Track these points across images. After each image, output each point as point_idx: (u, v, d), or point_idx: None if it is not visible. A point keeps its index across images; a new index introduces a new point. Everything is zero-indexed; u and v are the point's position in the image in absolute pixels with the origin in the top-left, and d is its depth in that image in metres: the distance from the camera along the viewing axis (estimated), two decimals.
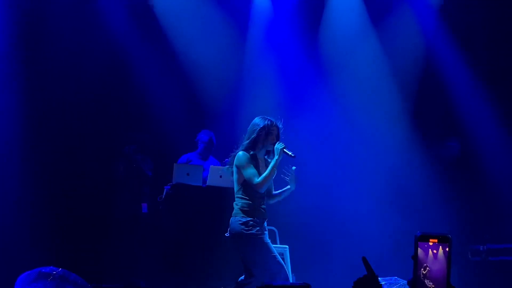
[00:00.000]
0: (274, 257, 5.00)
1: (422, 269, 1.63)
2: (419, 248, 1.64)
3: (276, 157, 5.02)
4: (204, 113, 8.46)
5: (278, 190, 5.28)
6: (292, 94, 8.59)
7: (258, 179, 4.98)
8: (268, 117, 5.17)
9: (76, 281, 3.84)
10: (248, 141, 5.12)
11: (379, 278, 4.57)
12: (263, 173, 5.02)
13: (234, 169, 5.11)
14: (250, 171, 5.00)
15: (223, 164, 7.36)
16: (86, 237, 7.34)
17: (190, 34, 8.42)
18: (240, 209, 5.04)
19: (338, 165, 7.87)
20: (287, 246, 6.69)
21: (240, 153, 5.09)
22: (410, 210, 8.13)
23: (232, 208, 6.21)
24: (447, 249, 1.64)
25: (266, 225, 5.16)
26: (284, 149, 5.05)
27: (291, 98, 8.58)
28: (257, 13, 8.79)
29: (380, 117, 8.31)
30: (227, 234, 5.15)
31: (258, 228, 4.98)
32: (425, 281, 1.62)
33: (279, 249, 6.67)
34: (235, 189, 5.14)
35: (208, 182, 6.99)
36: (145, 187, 7.53)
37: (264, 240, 5.00)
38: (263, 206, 5.11)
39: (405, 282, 4.56)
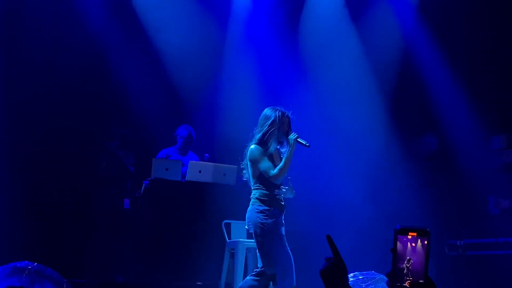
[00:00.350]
0: (287, 252, 4.98)
1: (406, 262, 1.63)
2: (398, 241, 1.65)
3: (290, 148, 5.00)
4: (183, 108, 8.43)
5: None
6: (272, 89, 8.59)
7: (273, 171, 4.97)
8: (278, 108, 5.11)
9: (52, 276, 3.79)
10: (260, 134, 5.07)
11: (356, 273, 4.59)
12: (277, 165, 5.02)
13: (248, 163, 5.08)
14: (265, 164, 4.98)
15: (203, 159, 7.37)
16: (66, 232, 7.28)
17: (170, 29, 8.38)
18: (258, 199, 5.02)
19: (316, 160, 7.88)
20: None
21: (253, 146, 5.06)
22: (388, 205, 8.17)
23: (212, 203, 6.23)
24: (425, 242, 1.64)
25: (283, 218, 5.12)
26: (298, 139, 5.03)
27: (270, 93, 8.57)
28: (237, 8, 8.78)
29: (358, 112, 8.35)
30: (246, 227, 5.15)
31: (274, 219, 4.96)
32: (405, 272, 1.63)
33: None
34: (252, 182, 5.10)
35: (187, 177, 6.97)
36: (127, 182, 7.48)
37: (279, 232, 4.98)
38: (280, 197, 5.10)
39: (382, 276, 4.57)
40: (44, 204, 7.38)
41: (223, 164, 7.14)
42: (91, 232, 7.16)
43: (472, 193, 8.23)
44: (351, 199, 8.05)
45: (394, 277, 1.65)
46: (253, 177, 5.08)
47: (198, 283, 6.71)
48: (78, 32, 7.88)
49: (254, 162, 5.02)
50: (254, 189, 5.10)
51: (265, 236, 4.94)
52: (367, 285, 4.66)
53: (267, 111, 5.11)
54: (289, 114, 5.12)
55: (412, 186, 8.36)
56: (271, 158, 5.05)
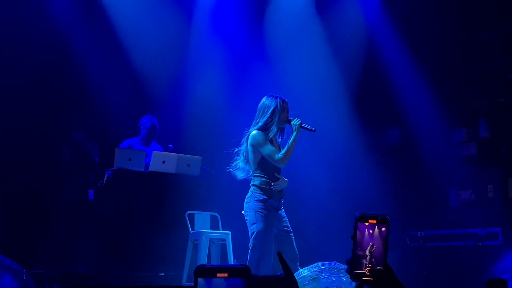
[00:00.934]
0: (270, 246, 5.00)
1: (368, 247, 1.64)
2: (358, 229, 1.65)
3: (294, 133, 5.07)
4: (147, 98, 8.35)
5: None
6: (236, 80, 8.57)
7: (279, 155, 5.03)
8: (276, 95, 5.17)
9: (10, 266, 3.73)
10: (262, 121, 5.10)
11: (318, 263, 4.61)
12: (279, 151, 5.09)
13: (250, 148, 5.11)
14: (269, 148, 5.03)
15: (167, 150, 7.32)
16: (27, 223, 7.13)
17: (133, 19, 8.27)
18: (258, 187, 5.06)
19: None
20: (229, 232, 6.69)
21: (255, 132, 5.09)
22: (352, 197, 8.24)
23: (176, 193, 6.17)
24: (385, 230, 1.65)
25: (282, 204, 5.17)
26: (302, 124, 5.09)
27: (235, 84, 8.56)
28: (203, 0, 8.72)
29: (323, 105, 8.38)
30: (243, 212, 5.17)
31: (272, 211, 5.03)
32: (363, 260, 1.64)
33: (221, 235, 6.68)
34: (252, 168, 5.14)
35: (151, 168, 6.92)
36: (92, 173, 7.37)
37: (271, 224, 5.01)
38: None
39: (344, 266, 4.60)
40: (7, 195, 7.23)
41: (187, 155, 7.10)
42: (54, 223, 7.04)
43: (433, 185, 8.36)
44: (316, 191, 8.09)
45: (354, 264, 1.66)
46: (254, 162, 5.11)
47: (161, 274, 6.67)
48: (40, 22, 7.73)
49: (257, 147, 5.06)
50: (254, 176, 5.13)
51: (258, 226, 4.98)
52: (329, 275, 4.69)
53: (266, 99, 5.17)
54: (288, 102, 5.19)
55: (376, 178, 8.44)
56: (272, 144, 5.12)
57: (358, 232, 1.65)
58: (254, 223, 5.00)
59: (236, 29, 8.66)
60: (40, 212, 7.19)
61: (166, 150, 7.36)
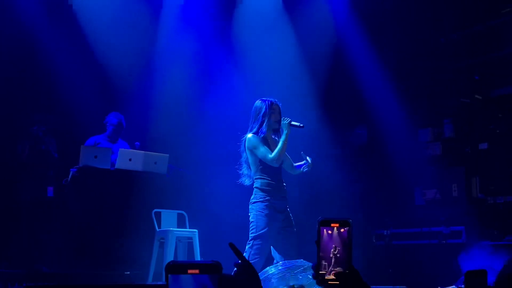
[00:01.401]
0: (266, 248, 5.09)
1: (332, 250, 1.65)
2: (321, 233, 1.66)
3: (285, 131, 5.19)
4: (114, 95, 8.26)
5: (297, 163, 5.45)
6: (204, 78, 8.54)
7: (271, 155, 5.14)
8: (267, 99, 5.30)
9: None
10: (256, 124, 5.25)
11: (285, 261, 4.62)
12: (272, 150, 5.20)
13: (248, 152, 5.25)
14: (262, 149, 5.16)
15: (133, 147, 7.25)
16: None
17: (100, 15, 8.17)
18: (260, 189, 5.17)
19: None
20: (196, 230, 6.67)
21: (250, 135, 5.24)
22: (319, 195, 8.29)
23: (142, 191, 6.12)
24: (347, 232, 1.66)
25: (286, 205, 5.25)
26: (291, 122, 5.23)
27: (203, 82, 8.53)
28: None
29: (291, 104, 8.39)
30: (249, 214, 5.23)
31: (273, 212, 5.11)
32: (328, 264, 1.65)
33: (188, 233, 6.66)
34: (253, 170, 5.25)
35: (117, 165, 6.85)
36: (51, 170, 7.26)
37: (270, 227, 5.08)
38: (282, 184, 5.26)
39: (310, 264, 4.62)
40: None
41: (154, 153, 7.06)
42: (14, 221, 6.93)
43: (400, 184, 8.44)
44: None
45: (319, 268, 1.67)
46: (254, 165, 5.24)
47: (126, 272, 6.61)
48: (4, 17, 7.59)
49: (253, 149, 5.19)
50: (255, 178, 5.24)
51: (257, 227, 5.08)
52: (296, 273, 4.71)
53: (257, 103, 5.31)
54: (278, 103, 5.32)
55: (343, 177, 8.50)
56: (269, 146, 5.23)
57: (321, 236, 1.66)
58: (254, 224, 5.11)
59: (205, 28, 8.63)
60: (0, 211, 7.06)
61: (133, 147, 7.30)
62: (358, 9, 8.86)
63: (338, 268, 1.65)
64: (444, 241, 7.59)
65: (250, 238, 5.13)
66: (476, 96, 8.12)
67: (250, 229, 5.16)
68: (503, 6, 7.86)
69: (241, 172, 5.38)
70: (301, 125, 5.29)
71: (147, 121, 8.25)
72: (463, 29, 8.34)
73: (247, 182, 5.37)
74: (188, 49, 8.61)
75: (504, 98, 7.82)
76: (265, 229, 5.09)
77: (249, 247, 5.11)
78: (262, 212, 5.12)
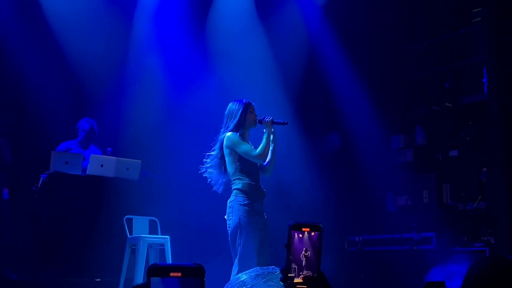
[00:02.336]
0: (253, 251, 4.95)
1: (303, 252, 1.65)
2: (292, 237, 1.66)
3: (267, 128, 5.13)
4: (85, 100, 8.18)
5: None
6: (177, 83, 8.51)
7: (256, 152, 5.05)
8: (241, 99, 5.24)
9: None
10: (232, 124, 5.13)
11: (256, 268, 4.61)
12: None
13: (226, 151, 5.08)
14: (245, 147, 5.05)
15: (105, 153, 7.19)
16: None
17: (73, 19, 8.09)
18: (241, 190, 5.02)
19: None
20: (168, 237, 6.63)
21: (229, 133, 5.09)
22: (291, 202, 8.29)
23: (114, 198, 6.05)
24: (318, 237, 1.67)
25: (264, 208, 5.13)
26: (274, 120, 5.17)
27: (175, 87, 8.50)
28: (144, 2, 8.62)
29: (263, 110, 8.40)
30: (225, 217, 5.07)
31: (255, 215, 4.98)
32: (299, 266, 1.65)
33: (160, 239, 6.62)
34: (231, 171, 5.08)
35: (88, 171, 6.78)
36: (4, 171, 7.07)
37: (255, 229, 4.96)
38: (260, 184, 5.14)
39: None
40: None
41: (126, 159, 7.01)
42: None
43: (372, 190, 8.50)
44: None
45: (288, 272, 1.67)
46: (232, 165, 5.07)
47: (97, 279, 6.55)
48: None
49: (233, 147, 5.05)
50: (234, 179, 5.07)
51: (244, 232, 4.95)
52: (267, 279, 4.70)
53: (233, 104, 5.22)
54: (253, 103, 5.26)
55: (315, 183, 8.53)
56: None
57: (292, 240, 1.66)
58: (239, 229, 4.94)
59: (178, 32, 8.60)
60: None
61: (105, 153, 7.24)
62: (331, 17, 8.92)
63: (307, 272, 1.66)
64: (415, 247, 7.66)
65: (238, 245, 4.96)
66: (447, 103, 8.22)
67: (232, 237, 4.99)
68: (474, 15, 7.98)
69: (209, 181, 5.23)
70: (285, 121, 5.23)
71: (119, 127, 8.19)
72: (434, 37, 8.45)
73: (220, 189, 5.22)
74: (161, 54, 8.57)
75: (474, 105, 7.93)
76: (252, 233, 4.95)
77: (241, 256, 4.95)
78: (246, 217, 4.95)
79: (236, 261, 4.99)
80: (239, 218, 4.96)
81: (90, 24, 8.14)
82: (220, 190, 5.26)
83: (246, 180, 5.05)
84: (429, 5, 8.35)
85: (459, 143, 8.01)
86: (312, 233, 1.67)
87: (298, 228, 1.67)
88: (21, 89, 7.85)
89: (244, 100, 5.22)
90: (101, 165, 6.77)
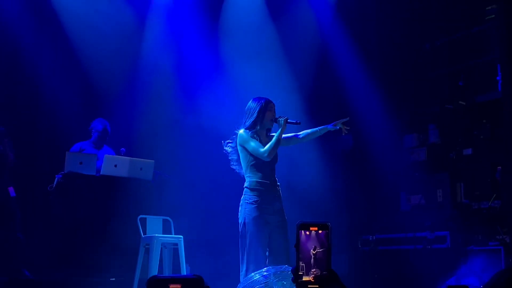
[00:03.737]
0: (258, 252, 4.97)
1: (312, 250, 1.66)
2: (300, 237, 1.67)
3: (280, 128, 5.13)
4: (99, 101, 8.23)
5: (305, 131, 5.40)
6: (189, 83, 8.54)
7: (263, 149, 5.06)
8: (262, 97, 5.26)
9: None
10: (249, 121, 5.17)
11: (269, 267, 4.62)
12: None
13: (239, 148, 5.15)
14: (253, 144, 5.08)
15: (119, 153, 7.24)
16: None
17: (86, 20, 8.15)
18: (250, 188, 5.06)
19: None
20: (181, 237, 6.65)
21: (241, 131, 5.15)
22: (305, 201, 8.28)
23: (128, 197, 6.09)
24: (326, 236, 1.67)
25: (281, 207, 5.14)
26: (288, 120, 5.16)
27: (188, 87, 8.53)
28: (157, 1, 8.66)
29: (276, 109, 8.41)
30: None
31: (262, 213, 4.99)
32: (308, 265, 1.66)
33: (174, 239, 6.64)
34: (244, 168, 5.15)
35: (102, 172, 6.82)
36: (7, 171, 7.09)
37: (261, 228, 4.97)
38: (275, 183, 5.14)
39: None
40: None
41: (140, 159, 7.04)
42: None
43: (385, 189, 8.47)
44: None
45: (298, 272, 1.68)
46: (244, 161, 5.13)
47: (112, 279, 6.58)
48: None
49: (244, 144, 5.10)
50: (246, 176, 5.13)
51: (248, 231, 4.97)
52: (280, 279, 4.71)
53: (252, 101, 5.25)
54: (274, 103, 5.27)
55: (328, 183, 8.51)
56: (261, 142, 5.14)
57: (300, 238, 1.67)
58: (244, 228, 4.99)
59: (190, 31, 8.63)
60: None
61: (118, 153, 7.28)
62: (343, 14, 8.90)
63: (316, 270, 1.66)
64: (429, 246, 7.63)
65: (242, 245, 5.00)
66: (460, 102, 8.18)
67: (240, 235, 5.03)
68: (487, 13, 7.93)
69: (230, 157, 5.29)
70: (298, 121, 5.23)
71: (132, 127, 8.23)
72: (447, 35, 8.41)
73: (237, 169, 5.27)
74: (173, 54, 8.60)
75: (488, 104, 7.88)
76: (256, 234, 4.96)
77: (243, 255, 4.98)
78: (251, 215, 4.98)
79: (243, 260, 5.00)
80: (245, 216, 5.00)
81: (103, 23, 8.19)
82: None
83: (256, 178, 5.08)
84: (442, 3, 8.31)
85: (473, 142, 7.97)
86: (321, 232, 1.68)
87: (305, 227, 1.68)
88: (35, 90, 7.91)
89: (263, 99, 5.23)
90: (115, 165, 6.81)
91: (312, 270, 1.66)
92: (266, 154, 5.06)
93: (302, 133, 5.46)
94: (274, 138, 5.12)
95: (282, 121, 5.15)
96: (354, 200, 8.70)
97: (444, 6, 8.29)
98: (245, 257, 5.00)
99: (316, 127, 8.60)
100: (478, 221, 7.52)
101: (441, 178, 8.01)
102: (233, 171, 5.30)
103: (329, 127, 5.47)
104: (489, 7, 7.90)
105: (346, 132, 5.50)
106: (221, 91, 8.37)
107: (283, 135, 5.25)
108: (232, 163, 5.31)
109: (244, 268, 4.97)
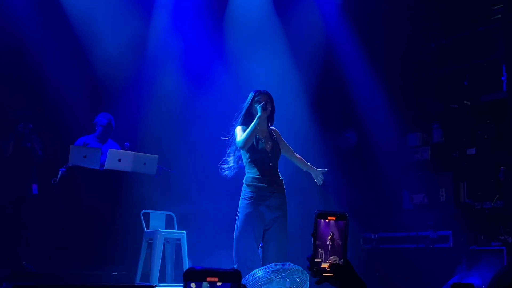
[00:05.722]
0: (250, 248, 4.95)
1: (329, 236, 1.66)
2: (318, 226, 1.67)
3: (257, 115, 5.03)
4: (103, 95, 8.23)
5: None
6: (195, 78, 8.54)
7: (240, 138, 5.01)
8: (255, 89, 5.22)
9: None
10: (239, 117, 5.16)
11: (272, 264, 4.61)
12: (264, 142, 5.09)
13: (238, 145, 5.12)
14: (237, 136, 5.04)
15: (123, 148, 7.23)
16: None
17: (90, 13, 8.14)
18: (246, 184, 5.06)
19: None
20: (184, 232, 6.66)
21: (236, 127, 5.13)
22: (306, 199, 8.28)
23: (131, 192, 6.09)
24: (344, 226, 1.68)
25: (282, 202, 5.11)
26: (262, 106, 5.07)
27: (193, 82, 8.53)
28: None
29: (280, 106, 8.40)
30: None
31: (255, 209, 4.95)
32: (326, 251, 1.66)
33: (177, 234, 6.64)
34: (244, 164, 5.13)
35: (106, 166, 6.82)
36: (35, 167, 7.17)
37: (251, 224, 4.93)
38: (273, 178, 5.08)
39: (298, 267, 4.63)
40: None
41: (144, 153, 7.04)
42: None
43: (388, 188, 8.46)
44: None
45: (314, 260, 1.68)
46: (244, 157, 5.12)
47: (114, 273, 6.59)
48: None
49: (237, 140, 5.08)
50: (246, 171, 5.13)
51: (239, 225, 4.97)
52: (283, 276, 4.70)
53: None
54: (266, 92, 5.20)
55: (331, 180, 8.50)
56: (255, 138, 5.09)
57: (318, 229, 1.67)
58: (237, 222, 5.01)
59: (195, 27, 8.63)
60: None
61: (123, 148, 7.28)
62: (349, 14, 8.90)
63: (334, 257, 1.66)
64: (431, 246, 7.62)
65: (234, 240, 5.00)
66: (465, 101, 8.18)
67: (234, 228, 5.05)
68: (493, 12, 7.93)
69: (226, 164, 5.23)
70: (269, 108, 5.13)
71: (136, 122, 8.23)
72: (453, 34, 8.40)
73: (227, 173, 5.21)
74: (178, 49, 8.60)
75: (492, 103, 7.88)
76: (245, 230, 4.92)
77: (236, 250, 4.99)
78: (244, 211, 4.96)
79: (233, 255, 5.01)
80: (238, 211, 5.02)
81: (108, 19, 8.18)
82: (227, 174, 5.27)
83: (251, 173, 5.06)
84: (448, 2, 8.30)
85: (477, 141, 7.97)
86: (338, 222, 1.69)
87: (323, 216, 1.69)
88: (39, 84, 7.91)
89: (252, 92, 5.20)
90: (119, 160, 6.81)
91: (330, 258, 1.67)
92: (240, 144, 5.02)
93: (298, 157, 5.48)
94: (249, 127, 5.03)
95: (258, 108, 5.07)
96: (357, 198, 8.69)
97: (450, 5, 8.28)
98: (238, 252, 5.00)
99: (319, 125, 8.68)
100: (481, 221, 7.52)
101: (445, 178, 8.01)
102: (243, 169, 5.27)
103: (313, 170, 5.54)
104: (495, 7, 7.90)
105: (319, 183, 5.52)
106: (226, 86, 8.36)
107: (285, 142, 5.24)
108: (227, 162, 5.23)
109: (237, 264, 4.96)
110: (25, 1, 7.80)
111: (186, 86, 8.48)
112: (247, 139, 4.98)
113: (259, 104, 5.10)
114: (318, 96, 8.81)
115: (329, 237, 1.67)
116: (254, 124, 5.00)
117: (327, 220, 1.68)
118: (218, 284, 1.39)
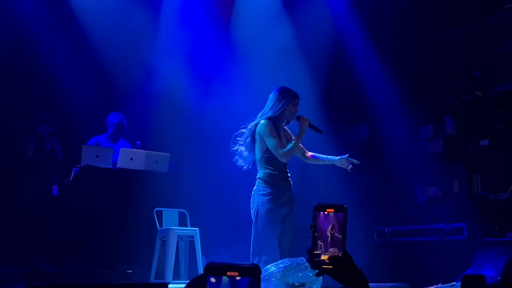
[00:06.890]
0: (272, 244, 4.97)
1: (329, 229, 1.67)
2: (316, 218, 1.68)
3: (303, 130, 5.09)
4: (114, 95, 8.28)
5: (318, 153, 5.42)
6: (204, 76, 8.56)
7: (282, 150, 5.01)
8: (291, 89, 5.19)
9: None
10: (271, 111, 5.10)
11: (286, 259, 4.62)
12: (283, 142, 5.08)
13: (257, 137, 5.09)
14: (274, 141, 5.01)
15: (135, 147, 7.28)
16: None
17: (100, 13, 8.19)
18: (262, 179, 5.05)
19: None
20: (197, 229, 6.68)
21: (263, 121, 5.08)
22: (319, 194, 8.28)
23: (144, 190, 6.11)
24: (342, 218, 1.68)
25: (291, 197, 5.15)
26: (311, 124, 5.13)
27: (203, 80, 8.54)
28: None
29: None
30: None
31: (276, 205, 4.99)
32: (326, 243, 1.67)
33: (190, 232, 6.67)
34: (258, 157, 5.11)
35: (118, 165, 6.87)
36: (55, 169, 7.27)
37: (275, 219, 4.98)
38: (286, 175, 5.14)
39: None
40: None
41: (155, 152, 7.08)
42: (17, 221, 6.94)
43: (400, 181, 8.43)
44: None
45: (313, 252, 1.68)
46: (260, 151, 5.08)
47: (129, 271, 6.63)
48: (4, 16, 7.61)
49: (265, 137, 5.05)
50: (259, 167, 5.11)
51: (260, 222, 4.98)
52: (296, 271, 4.71)
53: (280, 90, 5.16)
54: (298, 98, 5.20)
55: (343, 175, 8.48)
56: (278, 135, 5.10)
57: (316, 221, 1.67)
58: (257, 218, 5.00)
59: (204, 25, 8.64)
60: (4, 210, 7.06)
61: (134, 147, 7.32)
62: (358, 6, 8.87)
63: (333, 250, 1.67)
64: (445, 238, 7.59)
65: (254, 235, 5.01)
66: (477, 92, 8.12)
67: (253, 224, 5.04)
68: (504, 2, 7.86)
69: (236, 158, 5.24)
70: (320, 129, 5.21)
71: (148, 121, 8.27)
72: (464, 26, 8.34)
73: (240, 163, 5.21)
74: (187, 47, 8.62)
75: (504, 94, 7.81)
76: (267, 226, 4.96)
77: (256, 245, 5.00)
78: (264, 206, 4.99)
79: (255, 251, 5.01)
80: (258, 208, 5.01)
81: (118, 18, 8.22)
82: (246, 167, 5.24)
83: (269, 170, 5.06)
84: None
85: (490, 133, 7.90)
86: (337, 214, 1.69)
87: (322, 209, 1.69)
88: (51, 85, 7.97)
89: (291, 92, 5.16)
90: (131, 158, 6.85)
91: (330, 250, 1.67)
92: (283, 157, 5.04)
93: (311, 154, 5.43)
94: (293, 142, 5.08)
95: (305, 123, 5.10)
96: (370, 192, 8.67)
97: None
98: (258, 248, 5.00)
99: (330, 119, 8.66)
100: (495, 213, 7.47)
101: (458, 170, 7.95)
102: (254, 166, 5.26)
103: (336, 160, 5.43)
104: None
105: (349, 170, 5.46)
106: (236, 85, 8.38)
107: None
108: (240, 147, 5.23)
109: (256, 259, 4.98)
110: (35, 2, 7.85)
111: (196, 84, 8.50)
112: (290, 153, 5.06)
113: (295, 107, 5.16)
114: (328, 91, 8.79)
115: (328, 229, 1.68)
116: (298, 141, 5.12)
117: (325, 212, 1.68)
118: (238, 278, 1.40)
